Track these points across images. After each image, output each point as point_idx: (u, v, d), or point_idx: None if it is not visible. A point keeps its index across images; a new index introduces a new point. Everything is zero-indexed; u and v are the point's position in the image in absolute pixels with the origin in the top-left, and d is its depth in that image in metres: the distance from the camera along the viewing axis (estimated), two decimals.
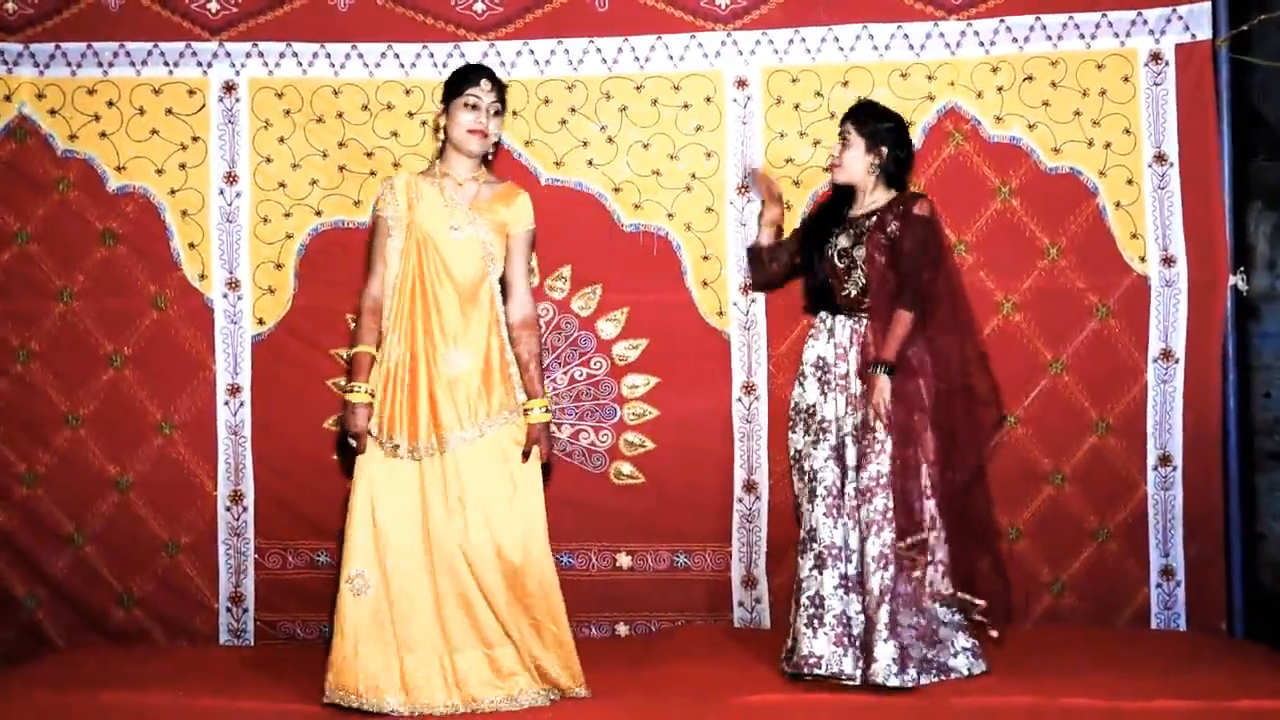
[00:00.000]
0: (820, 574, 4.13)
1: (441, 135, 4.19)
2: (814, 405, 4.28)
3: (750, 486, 4.81)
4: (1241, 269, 4.74)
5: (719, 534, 4.82)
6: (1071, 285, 4.76)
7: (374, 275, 4.14)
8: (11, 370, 4.83)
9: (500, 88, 4.17)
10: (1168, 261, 4.73)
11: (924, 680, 4.02)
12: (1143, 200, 4.75)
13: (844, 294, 4.27)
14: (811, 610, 4.12)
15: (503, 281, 4.19)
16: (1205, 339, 4.72)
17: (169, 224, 4.83)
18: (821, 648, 4.08)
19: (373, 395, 4.04)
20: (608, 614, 4.79)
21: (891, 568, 4.04)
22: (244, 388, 4.82)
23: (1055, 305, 4.76)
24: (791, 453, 4.38)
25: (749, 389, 4.82)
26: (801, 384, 4.34)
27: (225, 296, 4.82)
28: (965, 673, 4.11)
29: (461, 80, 4.15)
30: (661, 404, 4.83)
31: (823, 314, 4.35)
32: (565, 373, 4.82)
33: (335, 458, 4.75)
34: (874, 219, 4.24)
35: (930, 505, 4.14)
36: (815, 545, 4.16)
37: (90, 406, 4.83)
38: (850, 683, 4.04)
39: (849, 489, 4.15)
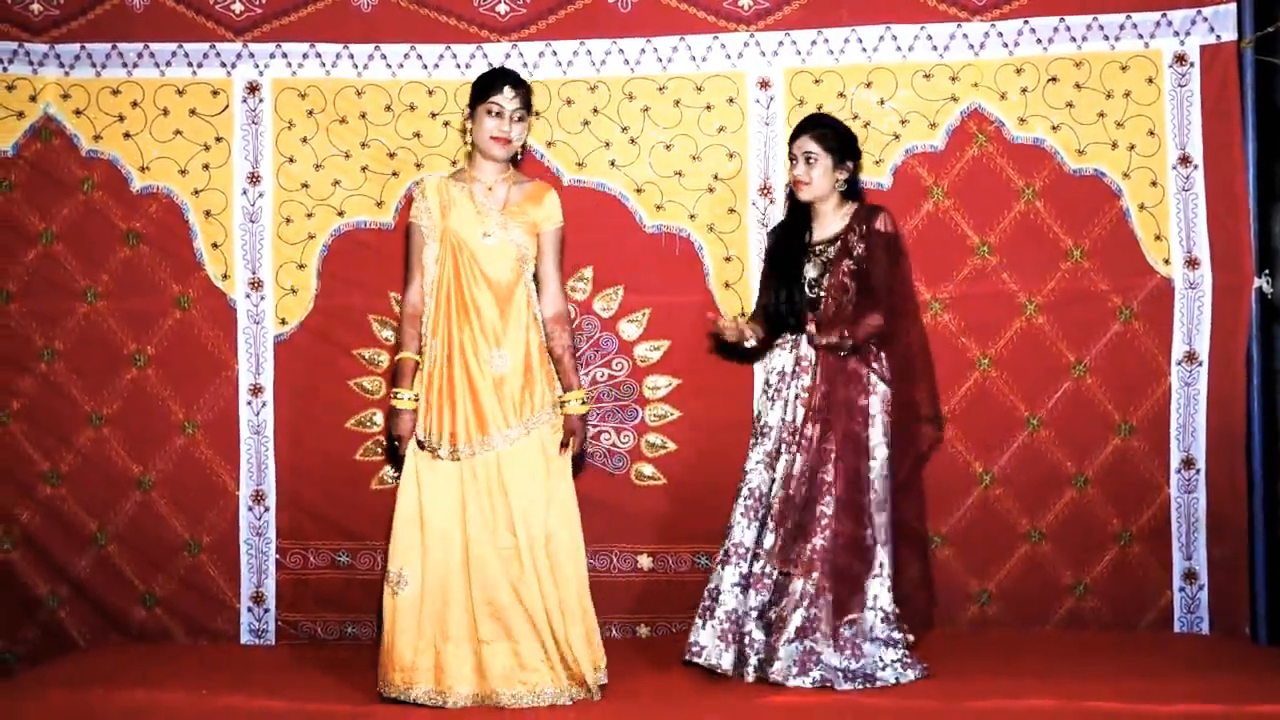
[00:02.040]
0: (722, 570, 4.24)
1: (468, 139, 4.20)
2: (760, 412, 4.35)
3: None
4: (1266, 271, 4.72)
5: None
6: (1095, 287, 4.74)
7: (412, 283, 4.18)
8: (36, 369, 4.85)
9: (525, 92, 4.17)
10: (1192, 264, 4.71)
11: (845, 686, 4.03)
12: (1167, 202, 4.73)
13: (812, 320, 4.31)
14: (706, 602, 4.25)
15: (534, 278, 4.23)
16: (1229, 342, 4.70)
17: (192, 224, 4.85)
18: (706, 639, 4.21)
19: (417, 400, 4.08)
20: (629, 615, 4.79)
21: (819, 575, 4.09)
22: (266, 388, 4.83)
23: (1079, 307, 4.74)
24: None
25: None
26: (765, 394, 4.39)
27: (248, 297, 4.83)
28: (893, 682, 4.09)
29: (486, 86, 4.14)
30: (683, 405, 4.83)
31: (787, 335, 4.36)
32: (587, 374, 4.82)
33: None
34: (838, 244, 4.27)
35: (882, 518, 4.18)
36: (725, 541, 4.26)
37: (114, 406, 4.85)
38: (725, 677, 4.14)
39: (776, 493, 4.20)
